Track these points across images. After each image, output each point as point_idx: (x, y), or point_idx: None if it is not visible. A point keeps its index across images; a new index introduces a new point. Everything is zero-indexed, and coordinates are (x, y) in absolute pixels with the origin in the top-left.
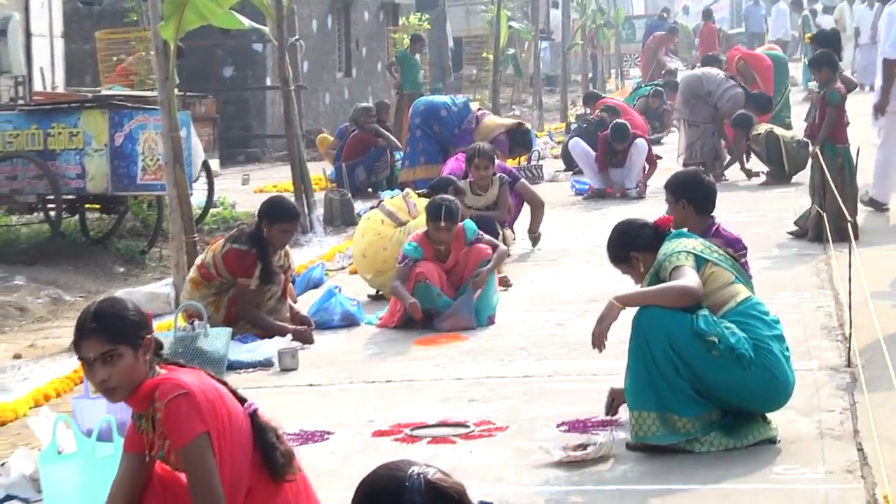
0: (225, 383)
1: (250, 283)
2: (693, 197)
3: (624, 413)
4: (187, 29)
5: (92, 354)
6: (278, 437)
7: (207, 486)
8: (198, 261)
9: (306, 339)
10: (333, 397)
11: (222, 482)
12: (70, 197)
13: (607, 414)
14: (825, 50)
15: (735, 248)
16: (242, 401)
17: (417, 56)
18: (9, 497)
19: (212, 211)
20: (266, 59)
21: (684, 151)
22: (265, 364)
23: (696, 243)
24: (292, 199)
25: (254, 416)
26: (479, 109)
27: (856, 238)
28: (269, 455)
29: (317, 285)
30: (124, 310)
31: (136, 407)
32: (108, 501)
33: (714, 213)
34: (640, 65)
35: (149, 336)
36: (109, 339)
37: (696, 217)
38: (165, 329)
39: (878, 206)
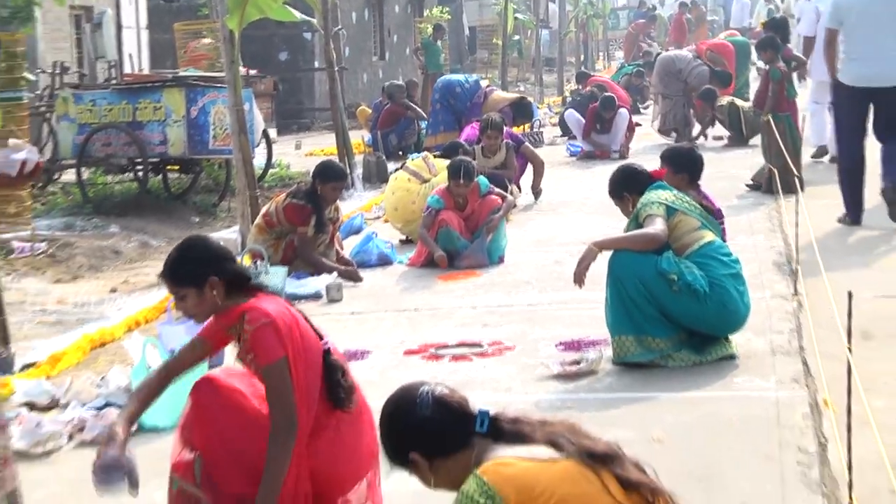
0: (304, 315)
1: (308, 231)
2: (689, 170)
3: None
4: (249, 20)
5: (169, 293)
6: (344, 375)
7: (285, 399)
8: (263, 210)
9: (354, 278)
10: (371, 323)
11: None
12: (154, 160)
13: None
14: (769, 34)
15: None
16: (320, 336)
17: (439, 42)
18: (108, 404)
19: (270, 171)
20: (314, 45)
21: (659, 119)
22: (315, 296)
23: (669, 195)
24: (338, 163)
25: (327, 353)
26: (488, 86)
27: (801, 189)
28: (333, 390)
29: (357, 231)
30: (189, 257)
31: (226, 322)
32: (159, 370)
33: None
34: (624, 48)
35: (213, 277)
36: (173, 283)
37: (687, 186)
38: None
39: (823, 151)
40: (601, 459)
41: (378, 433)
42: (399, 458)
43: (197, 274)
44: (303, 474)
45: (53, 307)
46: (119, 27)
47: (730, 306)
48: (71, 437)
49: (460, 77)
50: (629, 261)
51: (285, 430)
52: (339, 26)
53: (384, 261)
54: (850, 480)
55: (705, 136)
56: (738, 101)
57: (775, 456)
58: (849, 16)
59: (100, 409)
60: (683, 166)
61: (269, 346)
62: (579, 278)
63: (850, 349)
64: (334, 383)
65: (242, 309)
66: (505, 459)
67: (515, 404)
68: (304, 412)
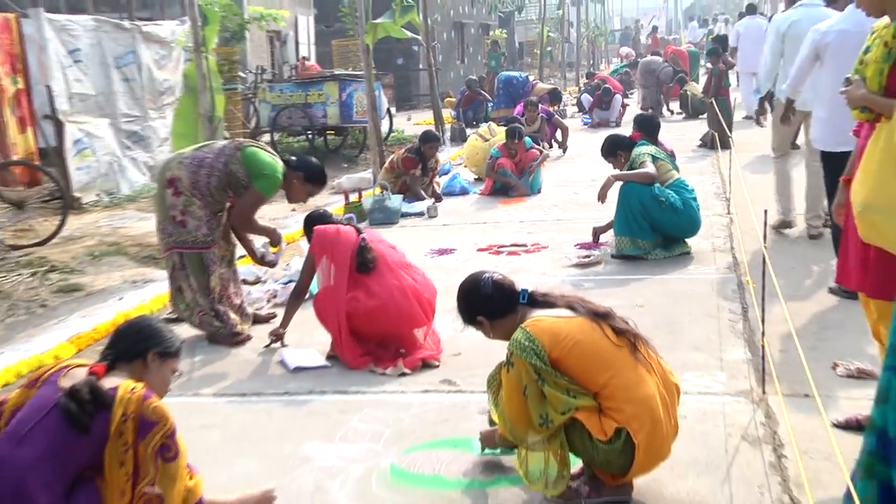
0: (357, 228)
1: (416, 173)
2: (650, 132)
3: (609, 238)
4: (378, 38)
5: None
6: (368, 253)
7: (303, 275)
8: (388, 159)
9: (439, 200)
10: (456, 231)
11: (329, 270)
12: (318, 127)
13: (594, 241)
14: (715, 46)
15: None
16: (359, 231)
17: (498, 51)
18: (290, 280)
19: (392, 134)
20: (419, 54)
21: (642, 102)
22: (420, 214)
23: (650, 149)
24: (435, 130)
25: (362, 240)
26: (534, 80)
27: (732, 146)
28: (360, 259)
29: (447, 173)
30: (305, 221)
31: None
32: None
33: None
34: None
35: (315, 227)
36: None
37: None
38: (370, 195)
39: (758, 117)
40: (601, 316)
41: (456, 305)
42: (470, 320)
43: (306, 229)
44: (342, 316)
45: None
46: (297, 43)
47: (695, 217)
48: (268, 301)
49: (516, 73)
50: (634, 188)
51: (296, 290)
52: (435, 42)
53: (464, 191)
54: (763, 330)
55: (671, 112)
56: (690, 91)
57: (715, 315)
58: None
59: (286, 283)
60: (648, 130)
61: (309, 247)
62: (602, 197)
63: (765, 248)
64: (360, 255)
65: None
66: (540, 317)
67: (548, 283)
68: (338, 277)
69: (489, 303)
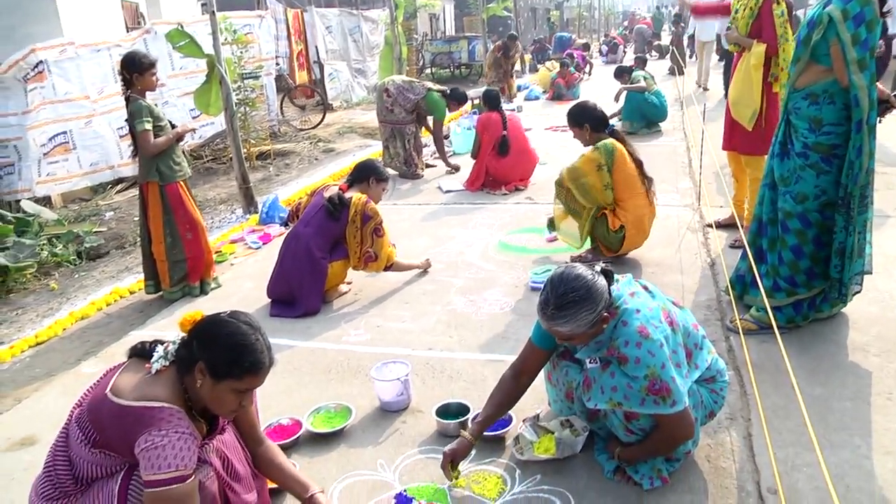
0: (504, 122)
1: (502, 57)
2: (643, 64)
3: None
4: (489, 16)
5: None
6: (506, 145)
7: (473, 148)
8: (489, 59)
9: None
10: (533, 118)
11: (482, 142)
12: (456, 64)
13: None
14: (675, 18)
15: None
16: (505, 126)
17: (549, 23)
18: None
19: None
20: (511, 24)
21: (634, 49)
22: (511, 109)
23: (642, 73)
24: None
25: (504, 136)
26: (574, 37)
27: (685, 73)
28: (501, 147)
29: (527, 88)
30: (485, 93)
31: None
32: None
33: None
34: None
35: (482, 114)
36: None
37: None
38: None
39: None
40: (637, 160)
41: (570, 115)
42: (578, 125)
43: (484, 98)
44: (482, 170)
45: None
46: (444, 20)
47: (665, 111)
48: (431, 155)
49: (565, 34)
50: (634, 95)
51: (473, 152)
52: (520, 17)
53: (536, 98)
54: (700, 169)
55: (653, 55)
56: (661, 43)
57: (675, 162)
58: None
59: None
60: (642, 62)
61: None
62: (617, 98)
63: (703, 126)
64: (502, 146)
65: None
66: (620, 147)
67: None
68: (484, 148)
69: (595, 118)
